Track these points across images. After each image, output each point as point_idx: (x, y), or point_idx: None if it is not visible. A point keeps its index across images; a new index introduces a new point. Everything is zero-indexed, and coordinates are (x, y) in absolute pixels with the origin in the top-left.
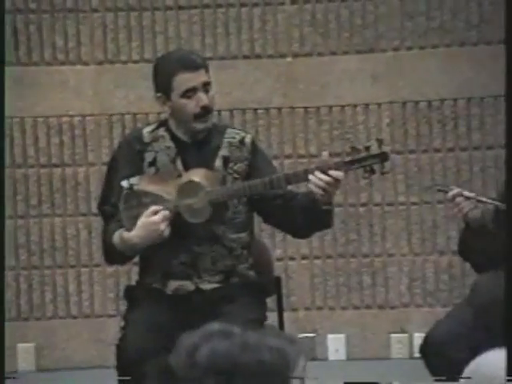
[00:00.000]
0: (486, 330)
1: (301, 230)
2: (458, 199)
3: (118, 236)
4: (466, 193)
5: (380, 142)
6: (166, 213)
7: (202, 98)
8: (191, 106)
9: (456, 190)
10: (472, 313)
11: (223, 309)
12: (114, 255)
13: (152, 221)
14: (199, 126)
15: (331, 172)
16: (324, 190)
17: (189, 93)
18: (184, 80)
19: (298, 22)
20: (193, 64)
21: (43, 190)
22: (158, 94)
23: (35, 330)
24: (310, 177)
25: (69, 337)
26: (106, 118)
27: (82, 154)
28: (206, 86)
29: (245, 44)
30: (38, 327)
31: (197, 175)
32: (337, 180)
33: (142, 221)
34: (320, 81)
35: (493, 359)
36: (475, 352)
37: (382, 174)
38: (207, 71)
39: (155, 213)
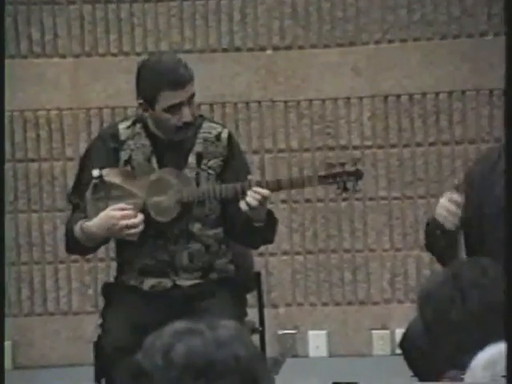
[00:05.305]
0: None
1: (240, 241)
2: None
3: (80, 225)
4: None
5: (355, 161)
6: (130, 212)
7: (186, 113)
8: (174, 120)
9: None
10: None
11: (202, 305)
12: (73, 244)
13: (112, 215)
14: (179, 137)
15: (257, 189)
16: (251, 207)
17: (173, 108)
18: (169, 97)
19: (278, 15)
20: (180, 80)
21: (19, 185)
22: (140, 101)
23: (12, 327)
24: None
25: (46, 334)
26: (84, 111)
27: (59, 148)
28: (190, 99)
29: (224, 37)
30: (15, 324)
31: (168, 173)
32: (264, 198)
33: (105, 212)
34: (300, 74)
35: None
36: (458, 347)
37: (355, 191)
38: (193, 83)
39: (122, 209)
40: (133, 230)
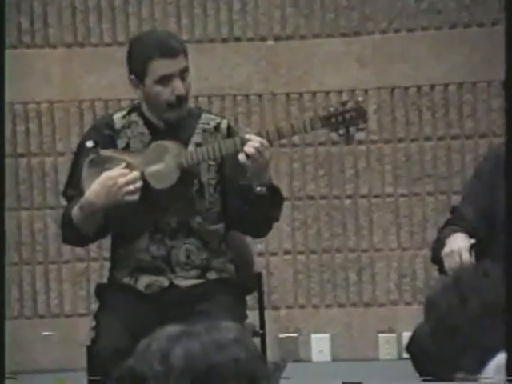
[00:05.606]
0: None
1: (242, 224)
2: None
3: (77, 205)
4: None
5: (357, 101)
6: (127, 170)
7: (178, 86)
8: (166, 93)
9: None
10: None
11: (200, 307)
12: (70, 232)
13: (108, 175)
14: (172, 114)
15: (252, 136)
16: (249, 156)
17: (164, 80)
18: (160, 66)
19: (279, 3)
20: (171, 50)
21: (8, 181)
22: (131, 77)
23: None
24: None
25: (36, 338)
26: (76, 104)
27: (49, 142)
28: (183, 73)
29: (223, 26)
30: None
31: (166, 142)
32: (262, 145)
33: (101, 177)
34: (303, 65)
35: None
36: (464, 350)
37: (358, 130)
38: (186, 56)
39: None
40: (132, 186)
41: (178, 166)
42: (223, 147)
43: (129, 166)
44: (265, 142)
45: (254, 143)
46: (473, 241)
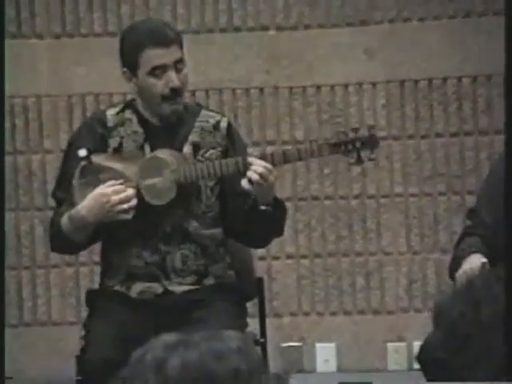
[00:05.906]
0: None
1: (243, 236)
2: None
3: (67, 215)
4: None
5: (369, 127)
6: (122, 187)
7: (172, 77)
8: (159, 86)
9: None
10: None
11: (197, 314)
12: (59, 241)
13: (102, 192)
14: (167, 108)
15: (256, 160)
16: (253, 182)
17: (157, 71)
18: (152, 56)
19: None
20: (164, 39)
21: None
22: (124, 69)
23: None
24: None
25: (23, 347)
26: (65, 99)
27: (36, 139)
28: (178, 64)
29: (222, 15)
30: None
31: (163, 153)
32: (267, 170)
33: (94, 192)
34: (307, 57)
35: None
36: (476, 359)
37: (370, 160)
38: (181, 47)
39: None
40: (126, 205)
41: (176, 182)
42: (224, 167)
43: (123, 178)
44: (269, 166)
45: (257, 168)
46: (485, 260)
